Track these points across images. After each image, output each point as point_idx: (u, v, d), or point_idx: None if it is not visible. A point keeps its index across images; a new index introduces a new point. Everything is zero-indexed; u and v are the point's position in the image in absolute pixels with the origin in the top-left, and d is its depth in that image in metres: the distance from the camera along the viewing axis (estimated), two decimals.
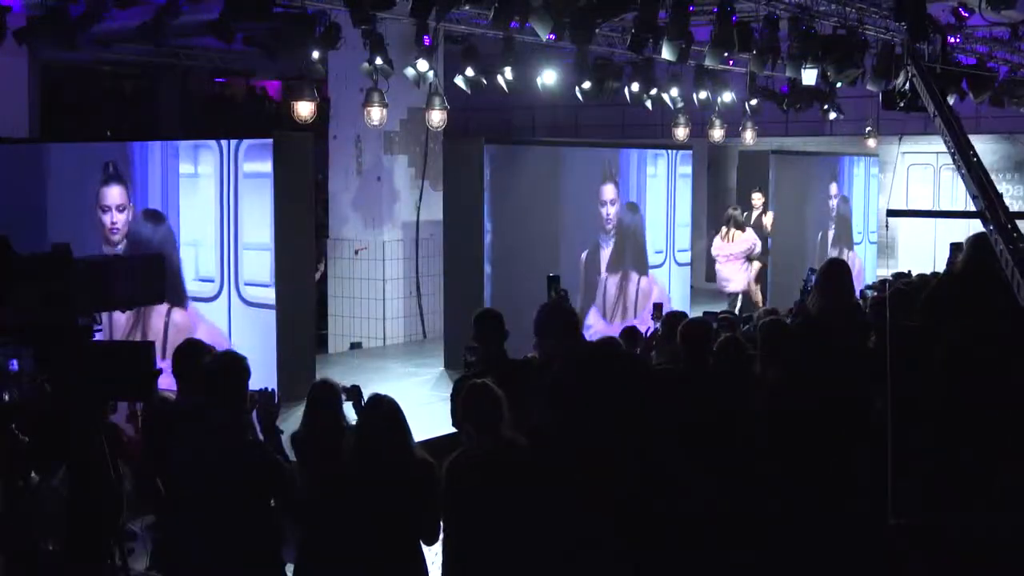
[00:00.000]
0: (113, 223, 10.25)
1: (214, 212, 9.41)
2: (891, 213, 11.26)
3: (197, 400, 4.59)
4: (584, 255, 12.43)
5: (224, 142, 9.58)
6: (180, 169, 9.78)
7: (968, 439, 4.69)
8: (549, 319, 5.73)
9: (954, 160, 5.14)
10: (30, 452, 5.61)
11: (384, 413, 4.61)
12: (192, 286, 9.10)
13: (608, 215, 12.77)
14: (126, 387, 4.74)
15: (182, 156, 9.88)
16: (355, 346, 13.37)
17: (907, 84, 8.07)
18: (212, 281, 8.93)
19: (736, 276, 14.55)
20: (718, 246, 14.70)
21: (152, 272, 4.89)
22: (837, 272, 5.93)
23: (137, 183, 10.15)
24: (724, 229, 14.71)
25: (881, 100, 7.81)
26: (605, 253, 12.76)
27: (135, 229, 10.10)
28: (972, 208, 4.63)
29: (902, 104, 7.46)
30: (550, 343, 5.57)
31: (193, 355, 5.12)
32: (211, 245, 9.25)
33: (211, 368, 4.52)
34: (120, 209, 10.17)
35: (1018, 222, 4.28)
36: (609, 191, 12.77)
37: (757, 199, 14.90)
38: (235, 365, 4.50)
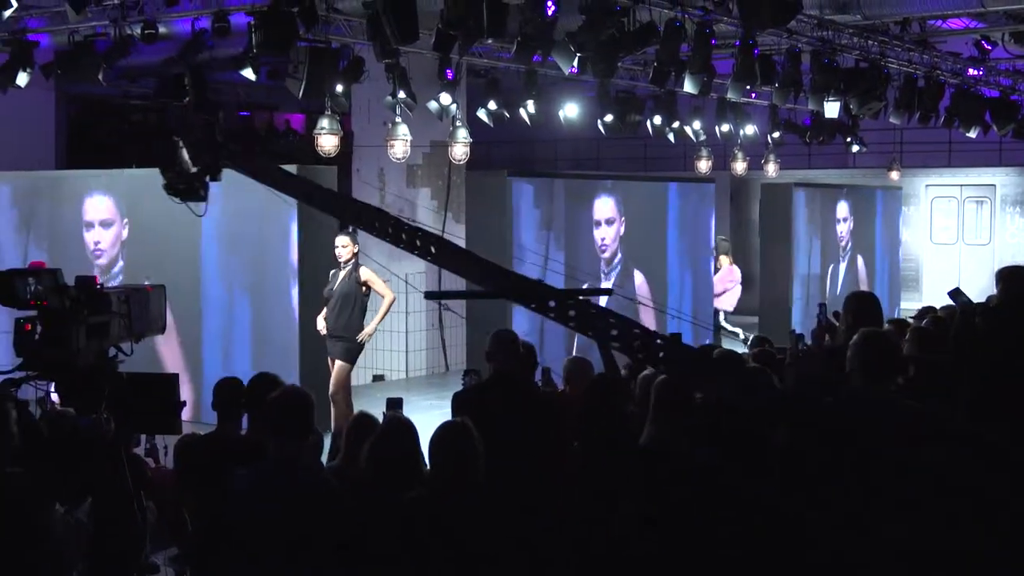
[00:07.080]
0: (96, 243, 9.55)
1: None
2: (428, 296, 11.01)
3: (259, 435, 4.55)
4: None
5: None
6: None
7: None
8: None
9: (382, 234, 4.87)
10: (55, 484, 5.61)
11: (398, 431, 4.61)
12: None
13: (603, 241, 12.54)
14: (151, 420, 4.71)
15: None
16: (378, 379, 13.36)
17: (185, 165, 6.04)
18: None
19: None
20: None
21: (159, 303, 4.89)
22: (868, 305, 5.89)
23: None
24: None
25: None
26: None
27: None
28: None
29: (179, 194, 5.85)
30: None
31: (266, 389, 5.02)
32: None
33: (277, 402, 4.45)
34: (105, 225, 9.55)
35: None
36: (603, 207, 12.54)
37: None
38: (301, 400, 4.45)
